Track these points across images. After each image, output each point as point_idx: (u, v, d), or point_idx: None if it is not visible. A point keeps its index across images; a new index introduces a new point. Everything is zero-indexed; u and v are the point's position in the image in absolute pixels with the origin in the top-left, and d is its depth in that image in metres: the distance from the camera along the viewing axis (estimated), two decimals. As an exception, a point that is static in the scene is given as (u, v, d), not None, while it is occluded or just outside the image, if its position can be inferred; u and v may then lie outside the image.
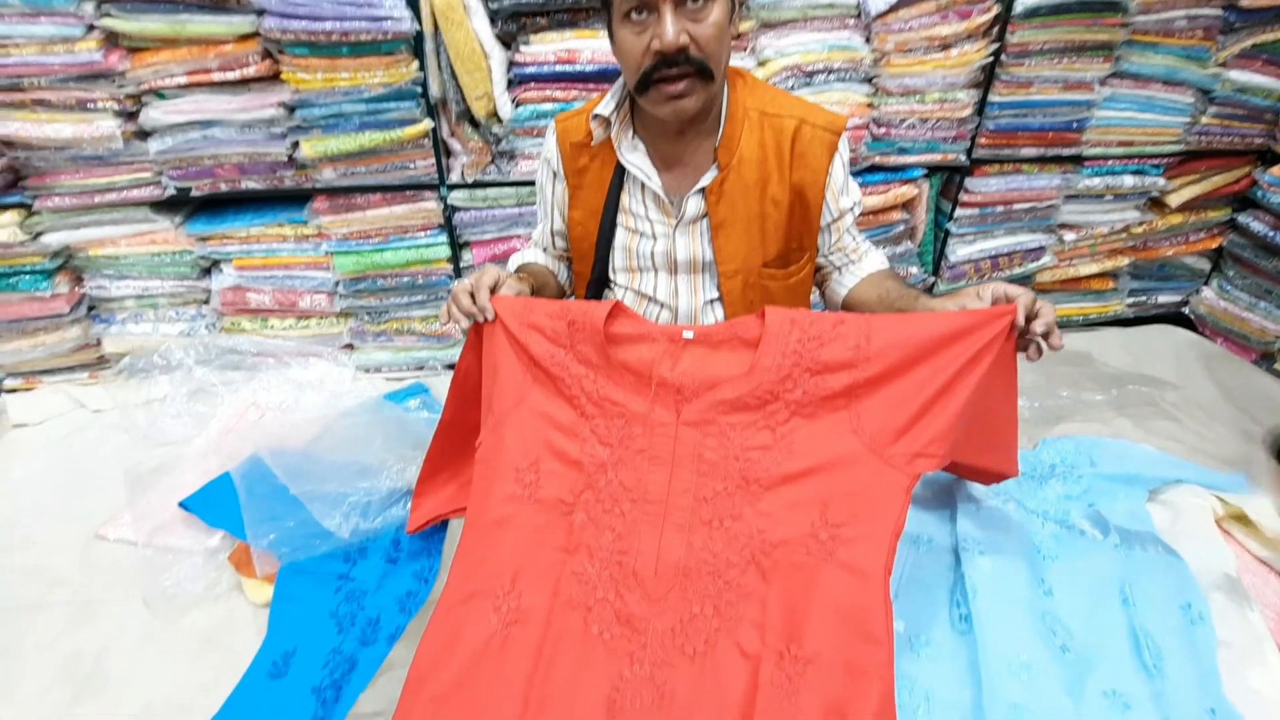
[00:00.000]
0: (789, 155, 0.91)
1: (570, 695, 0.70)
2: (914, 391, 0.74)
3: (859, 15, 1.38)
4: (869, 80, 1.44)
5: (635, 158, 0.92)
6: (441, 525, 1.08)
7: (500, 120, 1.39)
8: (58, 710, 0.96)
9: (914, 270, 1.66)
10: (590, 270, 1.00)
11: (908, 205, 1.59)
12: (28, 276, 1.42)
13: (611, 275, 1.00)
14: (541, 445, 0.81)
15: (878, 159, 1.51)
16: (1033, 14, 1.38)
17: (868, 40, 1.40)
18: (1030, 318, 0.75)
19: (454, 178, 1.45)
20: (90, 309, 1.54)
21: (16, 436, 1.46)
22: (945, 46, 1.40)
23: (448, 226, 1.49)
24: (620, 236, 0.97)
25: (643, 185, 0.93)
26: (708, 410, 0.78)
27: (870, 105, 1.45)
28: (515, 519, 0.78)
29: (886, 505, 0.72)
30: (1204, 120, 1.56)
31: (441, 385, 1.56)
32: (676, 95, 0.81)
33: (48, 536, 1.23)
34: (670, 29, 0.77)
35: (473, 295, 0.83)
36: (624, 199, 0.96)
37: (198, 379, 1.47)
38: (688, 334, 0.81)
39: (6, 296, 1.43)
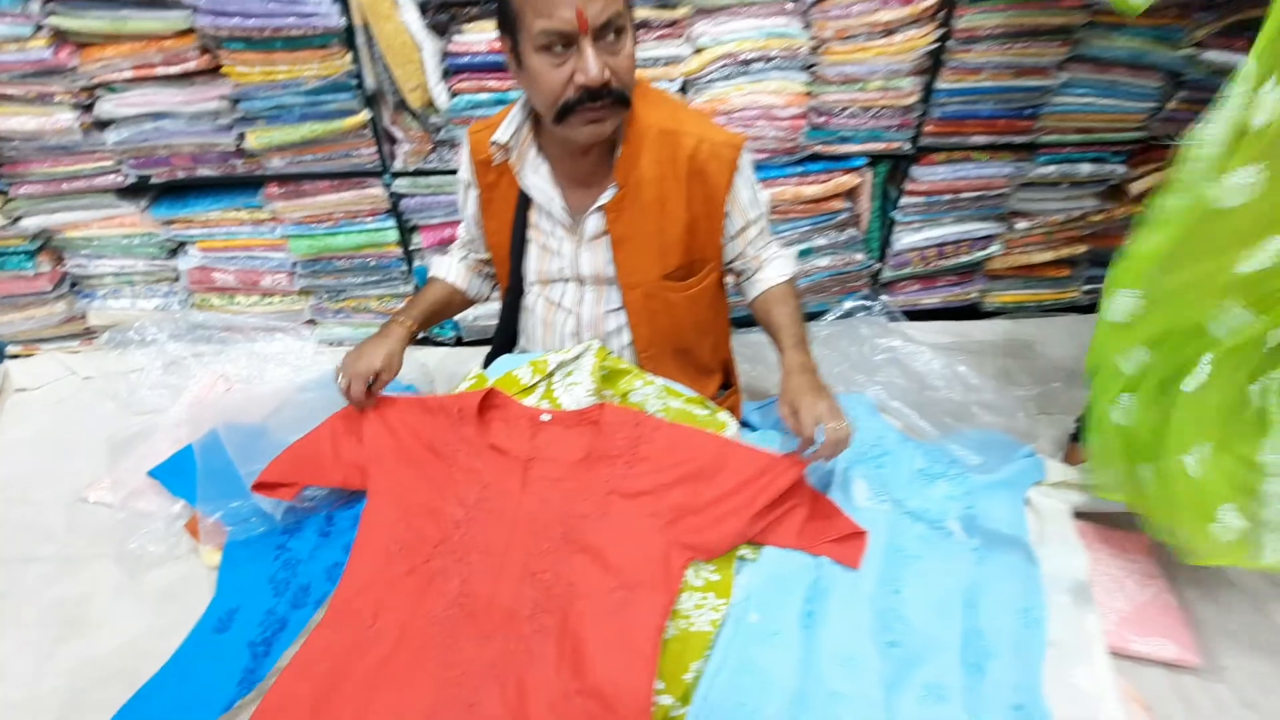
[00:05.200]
0: (687, 173, 0.95)
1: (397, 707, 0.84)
2: (704, 503, 0.94)
3: (797, 1, 1.35)
4: (808, 68, 1.41)
5: (537, 180, 0.97)
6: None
7: (437, 110, 1.41)
8: (44, 646, 1.14)
9: (859, 257, 1.67)
10: (508, 278, 1.07)
11: (851, 193, 1.58)
12: (13, 257, 1.55)
13: (525, 285, 1.07)
14: (418, 507, 0.98)
15: (818, 148, 1.50)
16: (981, -2, 1.32)
17: (806, 26, 1.37)
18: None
19: (398, 165, 1.49)
20: (73, 285, 1.66)
21: (19, 399, 1.63)
22: (888, 32, 1.36)
23: (395, 211, 1.55)
24: (532, 251, 1.03)
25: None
26: (547, 481, 0.95)
27: (809, 94, 1.43)
28: (388, 570, 0.95)
29: (666, 578, 0.90)
30: (1171, 106, 1.49)
31: (398, 359, 1.66)
32: (596, 120, 0.85)
33: (40, 495, 1.40)
34: (594, 65, 0.80)
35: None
36: (531, 215, 1.01)
37: (171, 353, 1.60)
38: (545, 417, 0.98)
39: (-4, 275, 1.57)
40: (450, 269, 1.13)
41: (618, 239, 0.98)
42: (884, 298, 1.74)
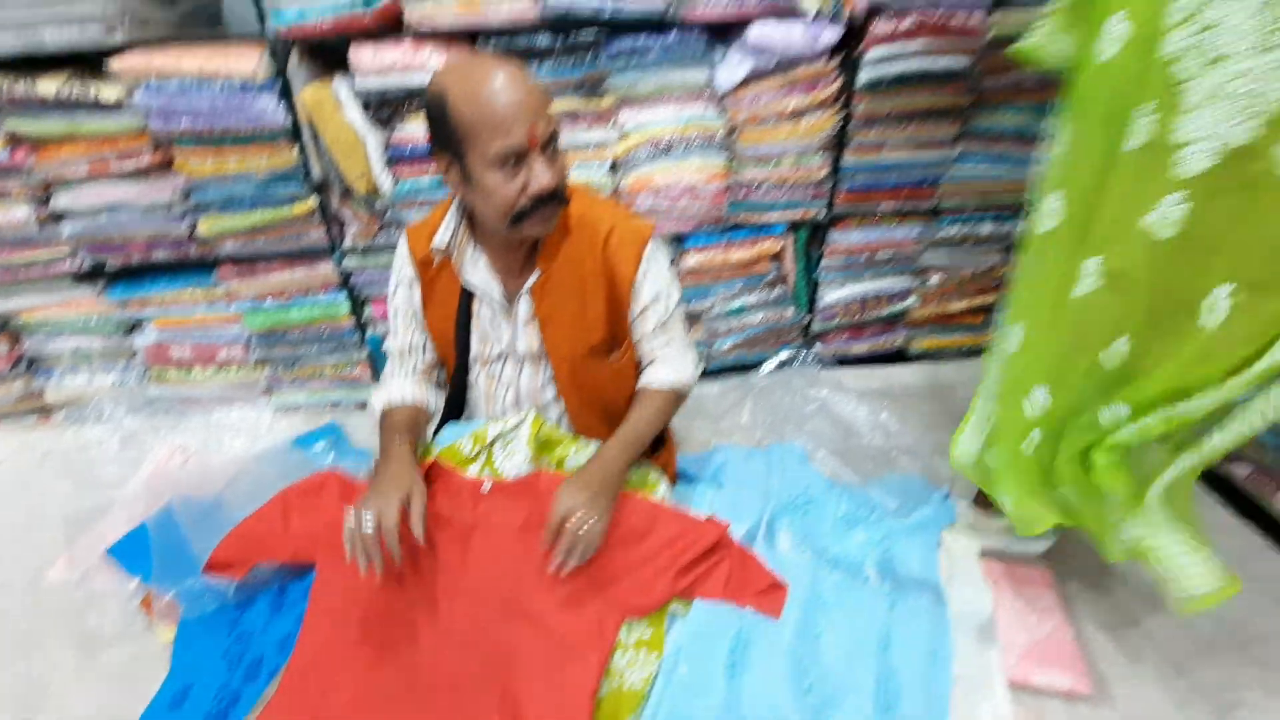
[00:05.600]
0: (602, 256, 1.05)
1: None
2: (635, 564, 1.04)
3: (712, 90, 1.47)
4: (726, 149, 1.54)
5: (477, 274, 1.06)
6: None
7: (382, 195, 1.51)
8: (6, 726, 1.17)
9: (789, 311, 1.79)
10: (454, 359, 1.15)
11: (777, 256, 1.71)
12: (-29, 341, 1.59)
13: (469, 363, 1.15)
14: (365, 580, 0.98)
15: (742, 217, 1.62)
16: (874, 86, 1.46)
17: (722, 113, 1.50)
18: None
19: (348, 244, 1.58)
20: (30, 364, 1.70)
21: (-24, 479, 1.65)
22: (796, 116, 1.50)
23: (346, 285, 1.63)
24: (474, 335, 1.12)
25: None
26: (488, 549, 1.02)
27: (729, 172, 1.55)
28: (337, 644, 1.02)
29: (600, 639, 0.98)
30: (1058, 171, 1.65)
31: (354, 423, 1.72)
32: (546, 219, 0.96)
33: (1, 574, 1.43)
34: (547, 175, 0.90)
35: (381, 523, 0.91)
36: (474, 304, 1.10)
37: (128, 427, 1.64)
38: (485, 487, 1.04)
39: (-47, 359, 1.60)
40: (402, 392, 1.14)
41: (544, 318, 1.07)
42: (816, 347, 1.86)
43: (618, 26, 1.36)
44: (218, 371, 1.73)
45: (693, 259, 1.65)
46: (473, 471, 1.12)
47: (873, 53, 1.40)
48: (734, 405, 1.75)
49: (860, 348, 1.88)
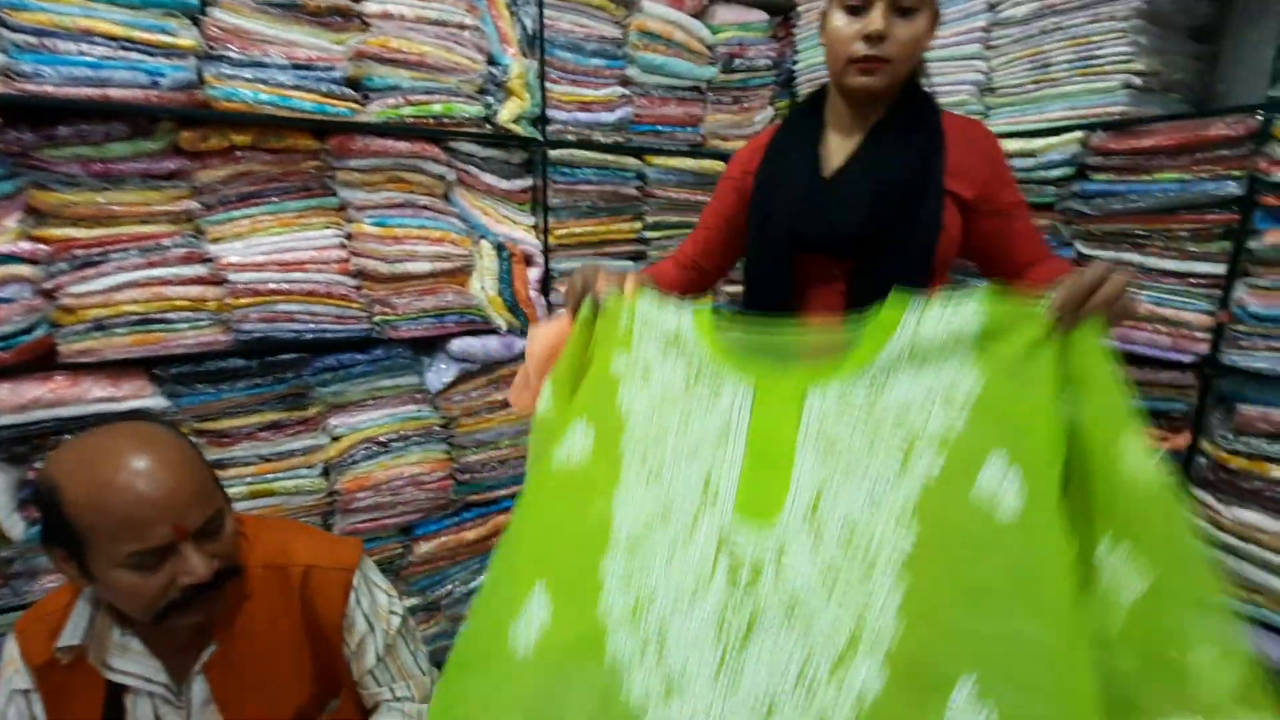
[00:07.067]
0: (299, 605, 0.93)
1: None
2: None
3: (425, 392, 1.57)
4: (445, 439, 1.61)
5: (129, 662, 0.86)
6: None
7: (11, 542, 1.23)
8: None
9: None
10: None
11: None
12: None
13: None
14: None
15: (471, 498, 1.66)
16: (571, 376, 1.70)
17: (436, 409, 1.59)
18: None
19: (-56, 614, 1.22)
20: None
21: None
22: (505, 405, 1.65)
23: (-65, 670, 1.22)
24: None
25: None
26: None
27: (451, 459, 1.61)
28: None
29: None
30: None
31: None
32: (207, 607, 0.80)
33: None
34: (202, 566, 0.77)
35: None
36: (127, 701, 0.87)
37: None
38: None
39: None
40: None
41: (226, 700, 0.90)
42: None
43: (321, 346, 1.41)
44: None
45: (425, 546, 1.60)
46: None
47: (563, 352, 1.65)
48: (486, 699, 1.61)
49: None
